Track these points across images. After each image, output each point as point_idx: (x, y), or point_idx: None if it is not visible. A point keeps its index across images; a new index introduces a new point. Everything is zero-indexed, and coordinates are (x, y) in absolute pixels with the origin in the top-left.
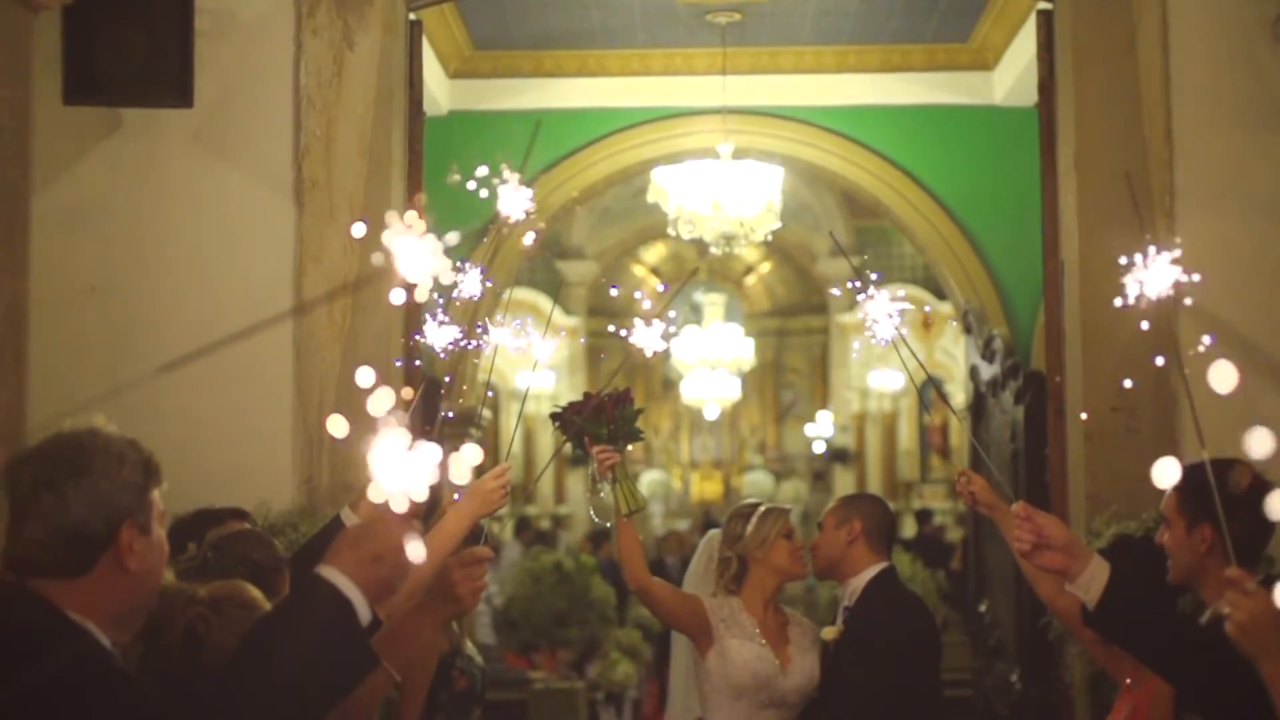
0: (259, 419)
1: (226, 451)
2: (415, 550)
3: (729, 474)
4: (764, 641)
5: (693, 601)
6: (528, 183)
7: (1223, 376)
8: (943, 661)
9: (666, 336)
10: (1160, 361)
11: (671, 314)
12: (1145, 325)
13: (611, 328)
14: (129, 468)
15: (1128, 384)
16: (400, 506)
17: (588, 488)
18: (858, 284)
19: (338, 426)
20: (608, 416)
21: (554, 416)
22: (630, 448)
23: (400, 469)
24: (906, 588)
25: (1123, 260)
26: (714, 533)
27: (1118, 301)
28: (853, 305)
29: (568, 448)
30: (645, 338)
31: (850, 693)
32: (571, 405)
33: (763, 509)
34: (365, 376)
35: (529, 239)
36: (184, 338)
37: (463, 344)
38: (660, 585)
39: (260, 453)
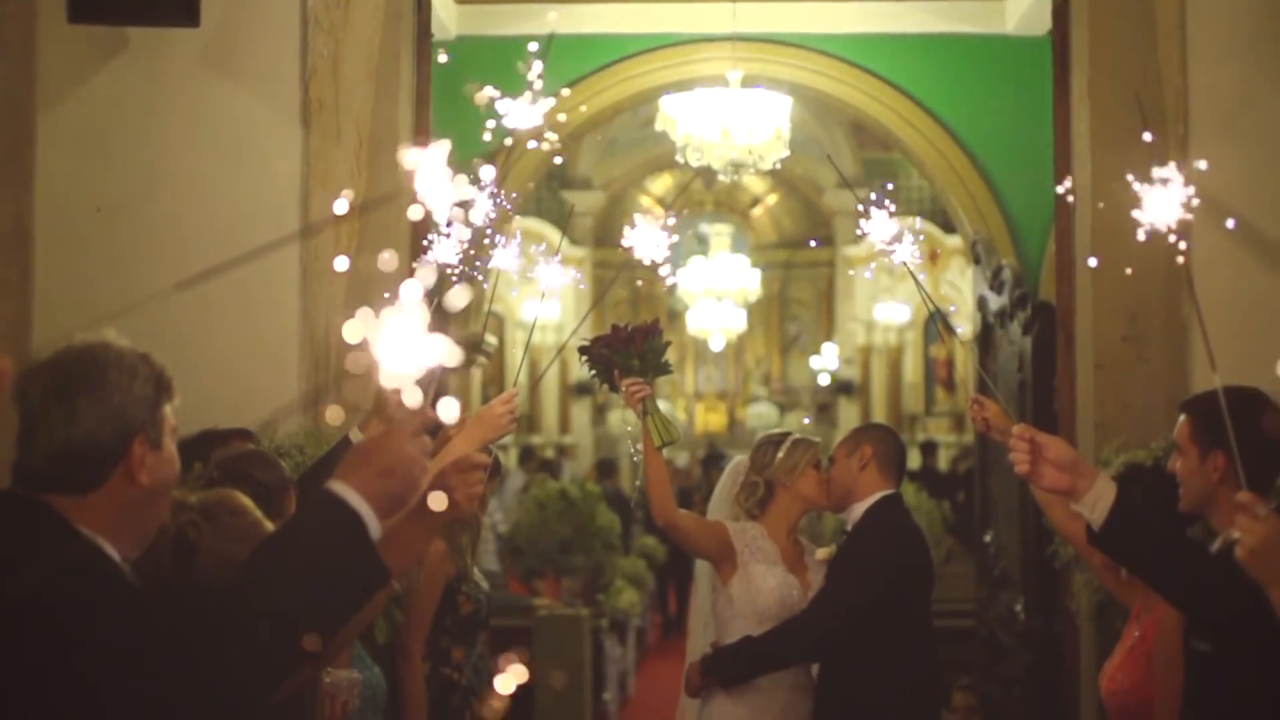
0: (265, 341)
1: (232, 374)
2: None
3: (733, 405)
4: (786, 568)
5: (717, 528)
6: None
7: None
8: (948, 592)
9: (669, 263)
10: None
11: (673, 238)
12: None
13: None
14: (141, 381)
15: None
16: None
17: (636, 417)
18: (863, 208)
19: (353, 331)
20: (637, 349)
21: (583, 350)
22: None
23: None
24: (908, 515)
25: (1135, 188)
26: (740, 458)
27: (1136, 215)
28: (857, 238)
29: (575, 376)
30: (644, 246)
31: (831, 606)
32: (600, 338)
33: (794, 437)
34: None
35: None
36: (190, 259)
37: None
38: (687, 517)
39: (266, 375)
